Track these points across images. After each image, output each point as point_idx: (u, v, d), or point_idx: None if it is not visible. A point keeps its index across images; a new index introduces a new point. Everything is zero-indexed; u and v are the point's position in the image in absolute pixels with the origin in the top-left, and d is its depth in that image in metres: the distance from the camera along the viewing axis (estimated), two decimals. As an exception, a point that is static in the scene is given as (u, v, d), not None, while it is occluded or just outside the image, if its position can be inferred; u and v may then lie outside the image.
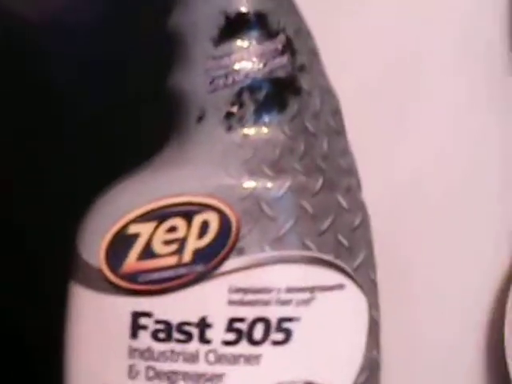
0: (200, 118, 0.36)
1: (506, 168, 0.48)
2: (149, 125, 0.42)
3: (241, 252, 0.35)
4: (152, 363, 0.35)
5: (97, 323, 0.36)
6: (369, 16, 0.46)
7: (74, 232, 0.38)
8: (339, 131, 0.38)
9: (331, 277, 0.36)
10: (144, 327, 0.35)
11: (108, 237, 0.35)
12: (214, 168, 0.35)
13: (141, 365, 0.35)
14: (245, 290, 0.35)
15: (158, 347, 0.35)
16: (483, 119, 0.47)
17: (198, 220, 0.35)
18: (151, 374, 0.35)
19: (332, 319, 0.36)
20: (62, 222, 0.39)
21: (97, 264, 0.35)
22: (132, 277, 0.35)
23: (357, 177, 0.38)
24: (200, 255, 0.35)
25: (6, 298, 0.45)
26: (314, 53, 0.38)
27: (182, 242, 0.35)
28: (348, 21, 0.45)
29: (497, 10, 0.48)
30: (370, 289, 0.37)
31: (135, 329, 0.35)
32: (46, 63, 0.44)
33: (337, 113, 0.38)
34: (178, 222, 0.35)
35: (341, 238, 0.36)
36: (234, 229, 0.35)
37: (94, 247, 0.35)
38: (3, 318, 0.45)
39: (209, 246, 0.35)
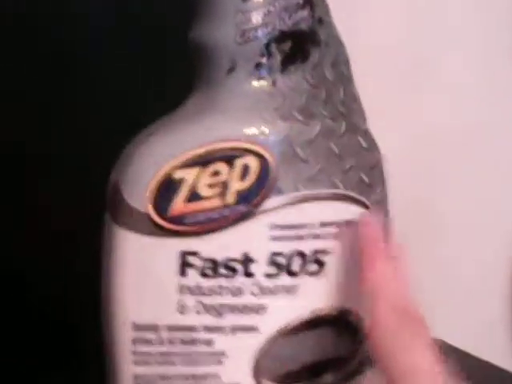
0: (231, 69, 0.38)
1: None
2: (171, 75, 0.44)
3: (279, 192, 0.38)
4: (201, 298, 0.38)
5: (144, 264, 0.38)
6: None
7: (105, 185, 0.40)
8: (350, 79, 0.41)
9: (356, 211, 0.39)
10: (192, 265, 0.38)
11: (154, 183, 0.37)
12: (249, 115, 0.38)
13: (190, 300, 0.38)
14: (283, 227, 0.38)
15: (206, 283, 0.38)
16: (502, 74, 0.51)
17: (239, 164, 0.37)
18: (200, 308, 0.38)
19: (357, 249, 0.39)
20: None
21: (144, 209, 0.37)
22: (179, 219, 0.37)
23: (366, 119, 0.42)
24: (242, 196, 0.37)
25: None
26: (327, 6, 0.41)
27: (225, 184, 0.37)
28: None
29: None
30: (386, 221, 0.41)
31: (184, 267, 0.38)
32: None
33: (347, 62, 0.41)
34: (221, 167, 0.37)
35: (362, 175, 0.39)
36: (272, 171, 0.37)
37: (139, 193, 0.37)
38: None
39: (250, 187, 0.37)
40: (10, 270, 0.48)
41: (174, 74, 0.43)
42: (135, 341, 0.39)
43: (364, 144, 0.40)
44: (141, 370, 0.39)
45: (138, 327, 0.39)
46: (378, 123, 0.39)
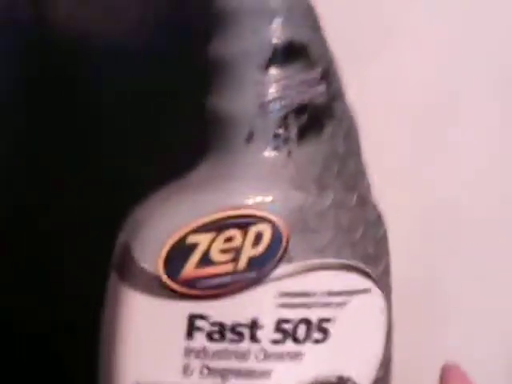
0: (249, 139, 0.39)
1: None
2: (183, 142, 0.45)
3: (289, 260, 0.39)
4: (206, 362, 0.38)
5: (152, 326, 0.38)
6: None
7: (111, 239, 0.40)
8: (360, 152, 0.43)
9: (361, 282, 0.40)
10: (200, 329, 0.38)
11: (168, 246, 0.38)
12: (264, 184, 0.39)
13: (196, 363, 0.38)
14: (291, 295, 0.39)
15: (213, 347, 0.38)
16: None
17: (253, 231, 0.38)
18: (205, 371, 0.38)
19: (361, 320, 0.40)
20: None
21: (155, 271, 0.38)
22: (190, 283, 0.38)
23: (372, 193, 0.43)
24: (254, 263, 0.38)
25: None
26: (341, 83, 0.42)
27: (238, 250, 0.38)
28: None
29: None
30: (388, 293, 0.42)
31: (191, 330, 0.38)
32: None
33: (358, 136, 0.43)
34: (235, 233, 0.38)
35: (369, 247, 0.41)
36: (284, 239, 0.38)
37: (151, 255, 0.38)
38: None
39: (262, 254, 0.38)
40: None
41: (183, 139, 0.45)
42: (136, 399, 0.39)
43: (372, 217, 0.41)
44: (141, 429, 0.39)
45: (139, 386, 0.39)
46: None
